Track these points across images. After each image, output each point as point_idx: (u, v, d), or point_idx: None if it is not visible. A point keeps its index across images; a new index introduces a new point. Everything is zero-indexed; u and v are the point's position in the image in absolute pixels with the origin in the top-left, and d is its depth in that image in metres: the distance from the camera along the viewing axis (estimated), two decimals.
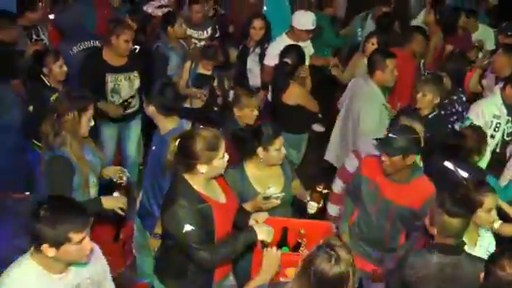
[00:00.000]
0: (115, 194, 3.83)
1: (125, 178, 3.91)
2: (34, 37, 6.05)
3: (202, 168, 3.20)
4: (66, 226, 2.51)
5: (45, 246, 2.53)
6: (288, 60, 5.45)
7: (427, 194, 3.72)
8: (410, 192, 3.77)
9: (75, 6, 6.77)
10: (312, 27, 6.22)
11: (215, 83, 5.17)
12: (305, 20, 6.20)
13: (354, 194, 4.09)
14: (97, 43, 5.99)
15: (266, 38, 6.37)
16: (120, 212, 3.82)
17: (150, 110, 4.03)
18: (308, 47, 6.36)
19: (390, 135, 3.78)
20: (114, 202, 3.79)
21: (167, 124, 4.02)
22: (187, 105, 5.76)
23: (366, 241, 4.00)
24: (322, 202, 3.92)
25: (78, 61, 5.48)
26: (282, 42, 6.09)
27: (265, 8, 7.41)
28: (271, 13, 7.17)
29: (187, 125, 4.44)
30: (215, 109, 5.17)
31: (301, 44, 5.97)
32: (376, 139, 3.99)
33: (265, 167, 3.95)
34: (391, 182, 3.82)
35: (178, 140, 3.27)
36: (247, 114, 4.56)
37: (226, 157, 3.29)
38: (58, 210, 2.55)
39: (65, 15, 6.46)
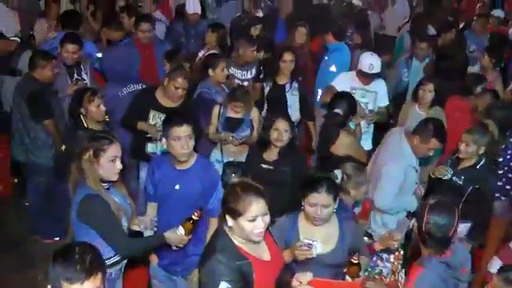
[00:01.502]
0: (180, 229, 3.61)
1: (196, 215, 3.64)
2: (76, 76, 5.96)
3: (230, 221, 2.96)
4: (58, 271, 2.44)
5: (49, 286, 2.50)
6: (339, 111, 5.15)
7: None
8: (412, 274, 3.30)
9: (122, 48, 6.76)
10: (368, 70, 5.89)
11: None
12: (364, 61, 5.94)
13: None
14: (143, 86, 5.84)
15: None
16: (175, 248, 3.73)
17: None
18: (374, 92, 6.08)
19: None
20: (177, 239, 3.63)
21: (192, 158, 3.98)
22: (217, 150, 5.47)
23: None
24: (359, 273, 3.49)
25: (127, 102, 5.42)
26: (350, 76, 6.14)
27: (333, 69, 6.86)
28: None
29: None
30: None
31: (365, 87, 5.99)
32: None
33: None
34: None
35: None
36: None
37: (261, 224, 2.93)
38: (63, 253, 2.49)
39: (113, 56, 6.41)
